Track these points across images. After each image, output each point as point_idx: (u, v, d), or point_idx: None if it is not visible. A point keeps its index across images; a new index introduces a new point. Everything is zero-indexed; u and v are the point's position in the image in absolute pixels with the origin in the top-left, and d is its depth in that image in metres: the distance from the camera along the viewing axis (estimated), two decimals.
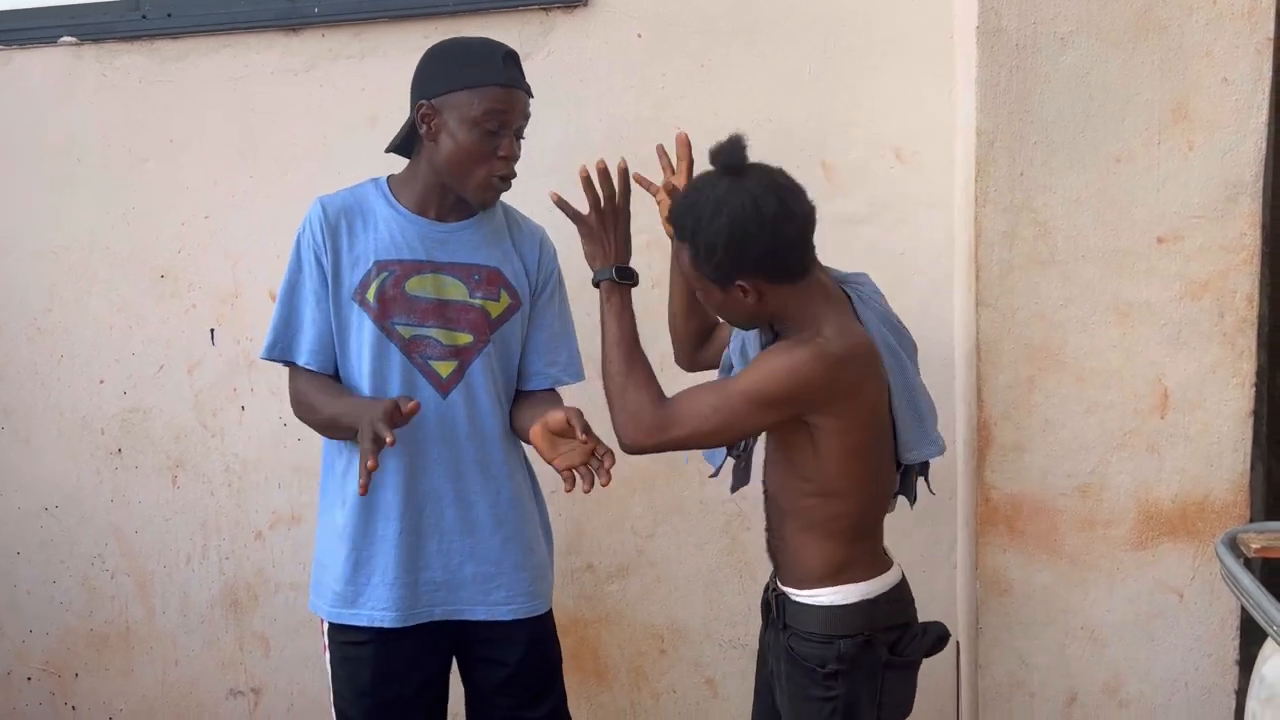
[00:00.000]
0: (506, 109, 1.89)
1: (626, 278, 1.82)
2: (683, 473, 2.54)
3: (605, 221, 1.82)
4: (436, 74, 1.91)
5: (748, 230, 1.65)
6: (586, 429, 1.78)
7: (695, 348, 2.02)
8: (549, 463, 1.84)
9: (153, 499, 2.77)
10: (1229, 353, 2.07)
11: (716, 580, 2.58)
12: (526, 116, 1.95)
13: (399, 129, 2.02)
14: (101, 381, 2.75)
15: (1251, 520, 2.14)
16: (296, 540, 2.73)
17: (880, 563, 1.80)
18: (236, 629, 2.79)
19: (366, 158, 2.47)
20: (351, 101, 2.55)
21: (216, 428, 2.72)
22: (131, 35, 2.61)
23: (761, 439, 1.89)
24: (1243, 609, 2.15)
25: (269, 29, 2.54)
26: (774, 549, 1.86)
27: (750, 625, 2.54)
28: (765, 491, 1.86)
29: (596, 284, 1.83)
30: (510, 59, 1.92)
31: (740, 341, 1.89)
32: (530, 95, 1.95)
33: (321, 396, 1.95)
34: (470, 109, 1.87)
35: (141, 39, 2.61)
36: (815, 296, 1.73)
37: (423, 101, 1.90)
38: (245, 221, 2.63)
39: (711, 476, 1.99)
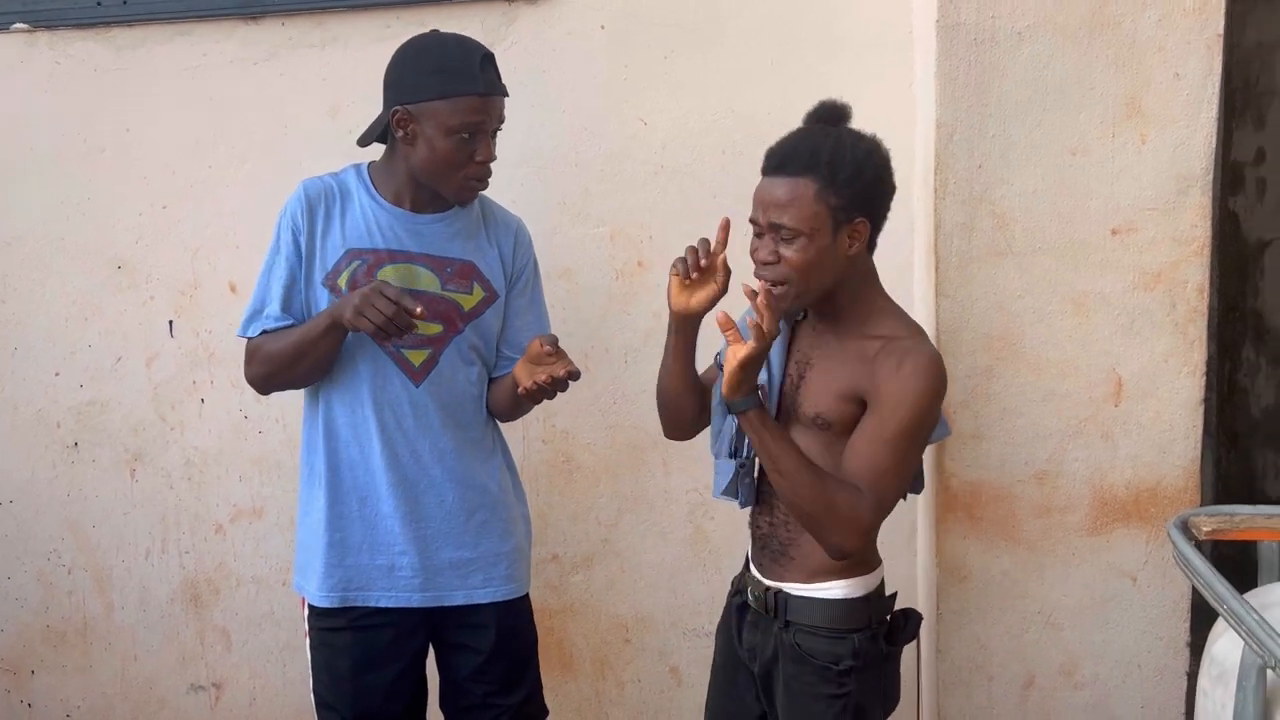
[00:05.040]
0: (484, 117, 1.90)
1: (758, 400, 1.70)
2: (646, 462, 2.56)
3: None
4: (412, 79, 1.91)
5: (884, 164, 1.73)
6: (554, 343, 1.86)
7: (696, 418, 1.95)
8: (523, 390, 1.88)
9: (110, 493, 2.74)
10: (1180, 342, 2.12)
11: (680, 569, 2.60)
12: (503, 118, 1.96)
13: (370, 122, 2.02)
14: (57, 374, 2.71)
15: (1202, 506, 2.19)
16: (258, 534, 2.71)
17: (876, 555, 1.82)
18: (197, 623, 2.77)
19: (327, 148, 2.47)
20: (312, 91, 2.53)
21: (176, 420, 2.69)
22: (86, 23, 2.56)
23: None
24: (1193, 592, 2.22)
25: (228, 17, 2.51)
26: (779, 547, 1.82)
27: (714, 614, 2.55)
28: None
29: (738, 413, 1.69)
30: (487, 62, 1.92)
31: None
32: (506, 95, 1.95)
33: (287, 332, 1.95)
34: (447, 118, 1.87)
35: (96, 26, 2.56)
36: (878, 278, 1.80)
37: (398, 108, 1.90)
38: (204, 212, 2.60)
39: (721, 496, 1.89)
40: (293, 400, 2.40)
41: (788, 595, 1.79)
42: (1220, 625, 1.45)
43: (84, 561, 2.78)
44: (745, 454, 1.83)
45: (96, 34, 2.58)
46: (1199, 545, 1.46)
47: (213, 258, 2.62)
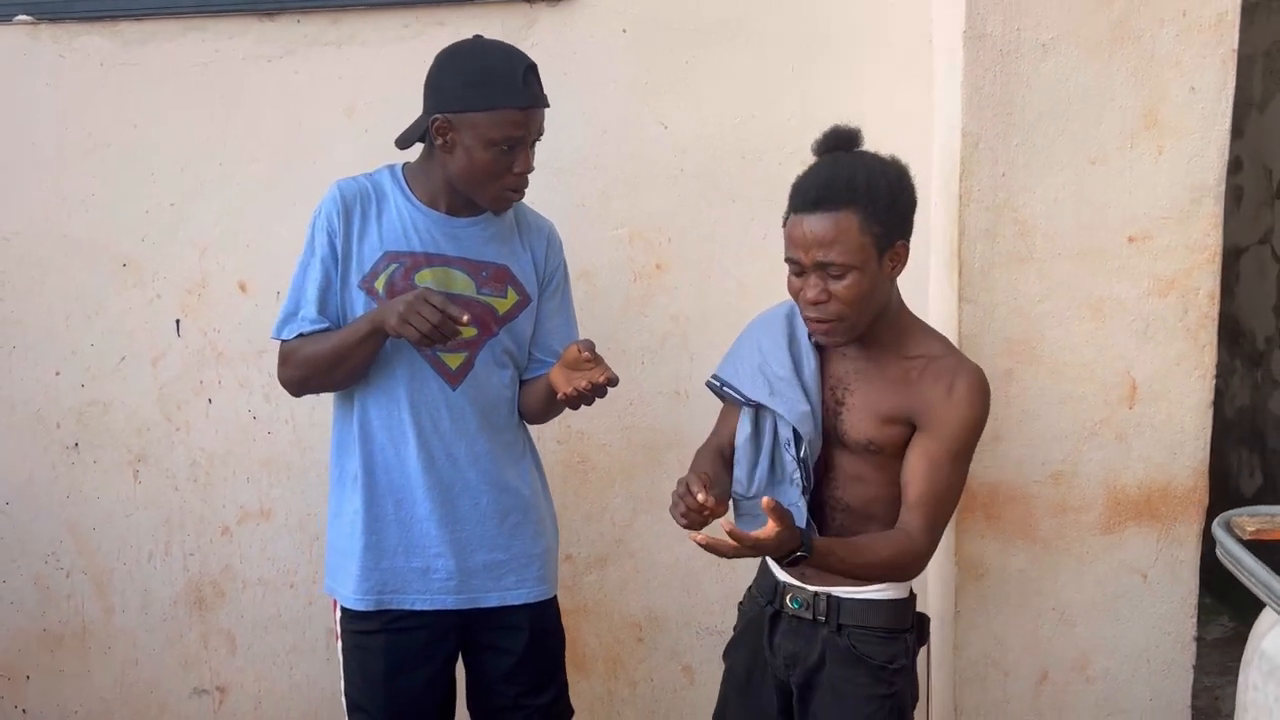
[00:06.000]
0: (524, 131, 1.89)
1: (809, 539, 1.66)
2: (662, 463, 2.58)
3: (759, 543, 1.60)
4: (454, 89, 1.89)
5: (912, 184, 1.74)
6: (591, 348, 1.84)
7: None
8: (562, 396, 1.88)
9: (112, 494, 2.69)
10: (1192, 346, 2.19)
11: (694, 569, 2.62)
12: (542, 130, 1.95)
13: (399, 123, 2.01)
14: (57, 373, 2.65)
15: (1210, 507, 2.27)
16: (265, 536, 2.68)
17: None
18: (201, 627, 2.73)
19: (343, 148, 2.47)
20: (328, 90, 2.50)
21: (181, 421, 2.65)
22: (92, 16, 2.51)
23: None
24: (1201, 589, 2.29)
25: (242, 13, 2.48)
26: None
27: (728, 614, 2.58)
28: (830, 506, 1.83)
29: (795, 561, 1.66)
30: (530, 74, 1.91)
31: (765, 383, 1.84)
32: (547, 106, 1.95)
33: (325, 336, 1.94)
34: (488, 130, 1.86)
35: (103, 20, 2.52)
36: (899, 291, 1.81)
37: (438, 116, 1.89)
38: (214, 210, 2.56)
39: None
40: (302, 401, 2.39)
41: (839, 599, 1.80)
42: (1267, 621, 1.50)
43: (83, 564, 2.73)
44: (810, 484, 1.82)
45: (103, 28, 2.53)
46: (1246, 545, 1.52)
47: (222, 257, 2.58)
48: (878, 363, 1.80)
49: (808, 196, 1.71)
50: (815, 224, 1.68)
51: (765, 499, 1.57)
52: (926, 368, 1.76)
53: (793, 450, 1.79)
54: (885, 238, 1.71)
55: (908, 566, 1.74)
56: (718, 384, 1.91)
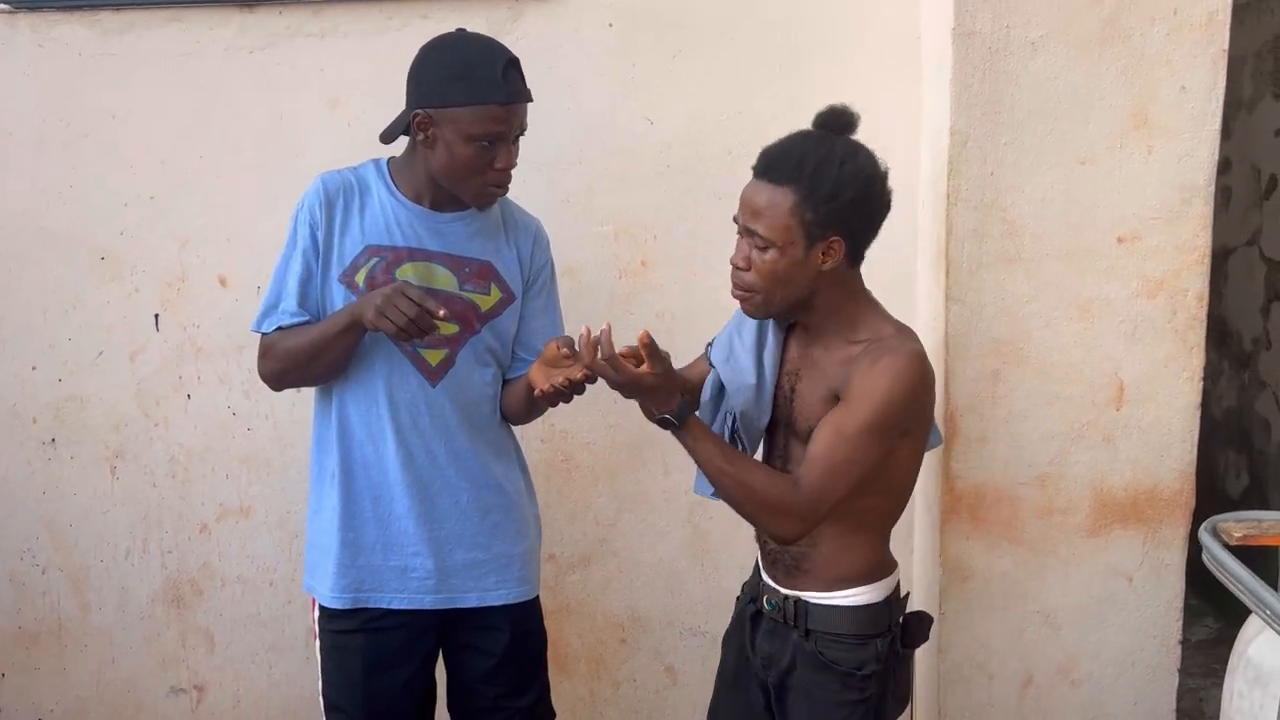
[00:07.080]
0: (505, 126, 1.86)
1: (685, 413, 1.69)
2: (645, 462, 2.56)
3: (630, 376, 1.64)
4: (434, 83, 1.87)
5: (871, 186, 1.69)
6: (570, 345, 1.79)
7: None
8: (540, 393, 1.83)
9: (89, 491, 2.65)
10: (1180, 348, 2.18)
11: (678, 569, 2.60)
12: (525, 125, 1.92)
13: (373, 113, 1.99)
14: (34, 368, 2.61)
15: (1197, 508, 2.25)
16: (245, 533, 2.65)
17: (892, 557, 1.83)
18: (179, 624, 2.70)
19: (325, 140, 2.45)
20: (310, 82, 2.47)
21: (160, 417, 2.62)
22: (71, 5, 2.47)
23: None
24: (1185, 589, 2.28)
25: (223, 4, 2.44)
26: (791, 562, 1.80)
27: (711, 614, 2.58)
28: None
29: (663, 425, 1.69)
30: (511, 69, 1.88)
31: (728, 349, 1.85)
32: (530, 100, 1.92)
33: (304, 329, 1.91)
34: (469, 126, 1.84)
35: (82, 9, 2.47)
36: (864, 288, 1.77)
37: (418, 111, 1.86)
38: (194, 203, 2.53)
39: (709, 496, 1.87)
40: (282, 397, 2.36)
41: (808, 604, 1.78)
42: (1253, 628, 1.49)
43: (60, 561, 2.69)
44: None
45: (81, 17, 2.48)
46: (1232, 550, 1.51)
47: (202, 250, 2.55)
48: (826, 350, 1.76)
49: (762, 162, 1.73)
50: (754, 191, 1.71)
51: (642, 332, 1.59)
52: (865, 350, 1.70)
53: (730, 422, 1.80)
54: (818, 227, 1.66)
55: (776, 513, 1.68)
56: (709, 347, 1.93)
